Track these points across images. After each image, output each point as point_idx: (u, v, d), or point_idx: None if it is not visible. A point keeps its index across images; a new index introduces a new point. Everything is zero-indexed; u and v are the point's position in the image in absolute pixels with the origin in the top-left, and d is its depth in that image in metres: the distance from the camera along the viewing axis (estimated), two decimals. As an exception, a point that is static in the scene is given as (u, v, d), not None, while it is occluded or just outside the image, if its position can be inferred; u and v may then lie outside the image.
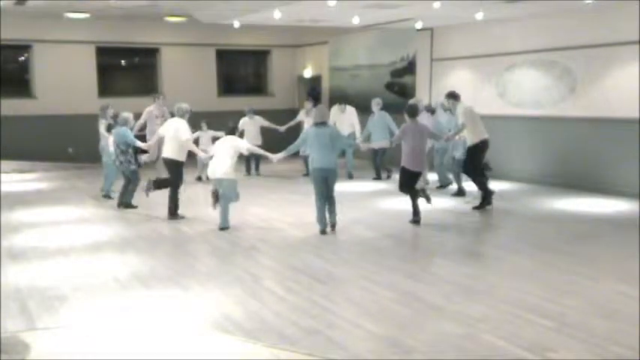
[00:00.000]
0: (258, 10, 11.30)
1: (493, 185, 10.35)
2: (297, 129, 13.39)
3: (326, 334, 4.91)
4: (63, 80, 15.57)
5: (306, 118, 13.30)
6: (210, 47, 17.44)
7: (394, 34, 14.86)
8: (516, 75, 12.49)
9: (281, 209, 10.01)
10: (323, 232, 8.33)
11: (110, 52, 16.56)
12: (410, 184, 8.87)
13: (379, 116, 12.53)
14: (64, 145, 15.39)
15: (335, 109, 13.19)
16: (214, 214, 8.84)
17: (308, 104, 13.44)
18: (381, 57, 15.70)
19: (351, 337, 4.88)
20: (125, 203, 10.04)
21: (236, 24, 13.56)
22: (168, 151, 9.30)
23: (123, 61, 17.69)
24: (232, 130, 9.02)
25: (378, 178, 12.88)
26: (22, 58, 15.92)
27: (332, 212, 8.45)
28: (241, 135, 9.26)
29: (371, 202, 10.57)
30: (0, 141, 14.25)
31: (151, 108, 12.27)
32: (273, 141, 12.34)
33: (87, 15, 14.32)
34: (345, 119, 13.01)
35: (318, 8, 10.92)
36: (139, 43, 16.70)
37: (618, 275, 6.41)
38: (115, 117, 10.56)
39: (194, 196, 11.00)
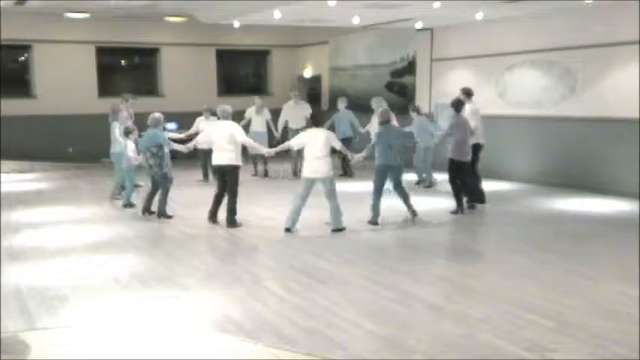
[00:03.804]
0: (258, 10, 11.30)
1: (493, 185, 10.34)
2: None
3: (326, 334, 4.91)
4: (63, 80, 15.58)
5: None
6: (210, 47, 17.44)
7: (394, 34, 14.86)
8: (516, 75, 12.49)
9: (281, 209, 9.99)
10: (375, 222, 8.84)
11: (110, 52, 16.57)
12: (460, 174, 9.30)
13: (343, 113, 13.20)
14: (64, 145, 15.39)
15: (290, 103, 13.56)
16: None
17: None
18: (381, 57, 15.69)
19: (351, 337, 4.87)
20: (159, 212, 9.29)
21: (236, 24, 13.56)
22: (227, 158, 8.70)
23: (123, 61, 17.71)
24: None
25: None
26: (22, 58, 15.93)
27: (408, 202, 8.98)
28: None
29: (370, 201, 10.53)
30: (0, 141, 14.26)
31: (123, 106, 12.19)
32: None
33: (87, 15, 14.32)
34: (298, 114, 13.19)
35: (318, 8, 10.92)
36: (139, 43, 16.71)
37: (618, 275, 6.42)
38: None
39: (193, 196, 10.99)
